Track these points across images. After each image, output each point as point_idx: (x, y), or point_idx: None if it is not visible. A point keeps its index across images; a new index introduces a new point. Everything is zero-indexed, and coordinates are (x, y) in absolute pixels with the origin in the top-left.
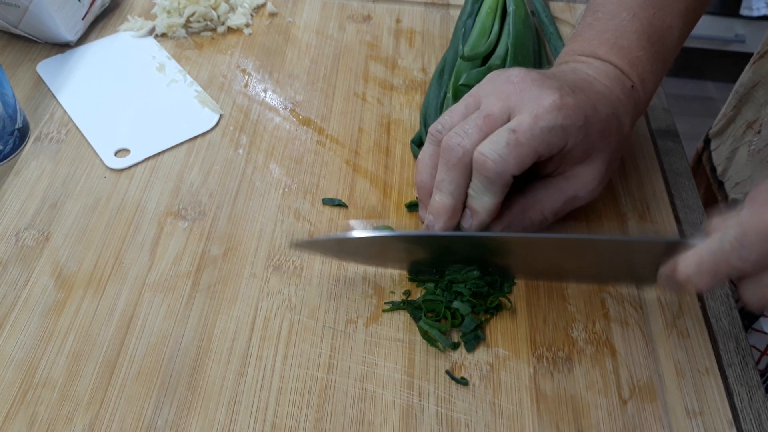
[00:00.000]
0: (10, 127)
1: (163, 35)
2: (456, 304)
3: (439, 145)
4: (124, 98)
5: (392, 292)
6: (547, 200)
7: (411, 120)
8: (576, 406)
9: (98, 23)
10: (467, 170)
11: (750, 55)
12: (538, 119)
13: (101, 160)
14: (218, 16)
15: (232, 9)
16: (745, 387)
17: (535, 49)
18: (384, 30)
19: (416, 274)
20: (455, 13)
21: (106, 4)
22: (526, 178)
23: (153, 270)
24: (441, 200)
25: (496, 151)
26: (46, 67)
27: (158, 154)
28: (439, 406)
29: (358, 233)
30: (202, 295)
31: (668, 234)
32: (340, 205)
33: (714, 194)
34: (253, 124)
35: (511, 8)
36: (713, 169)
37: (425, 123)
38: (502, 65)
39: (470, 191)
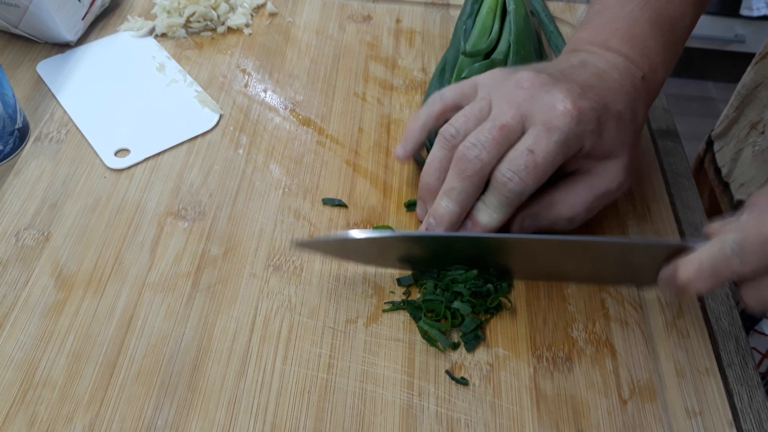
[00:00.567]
0: (10, 127)
1: (163, 35)
2: (456, 304)
3: (452, 150)
4: (124, 98)
5: (392, 292)
6: (578, 198)
7: None
8: (576, 406)
9: (98, 23)
10: (481, 183)
11: (750, 55)
12: (552, 132)
13: (101, 160)
14: (218, 16)
15: (232, 9)
16: (745, 387)
17: (536, 47)
18: (384, 30)
19: (418, 274)
20: (455, 13)
21: (106, 4)
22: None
23: (153, 270)
24: (447, 207)
25: (516, 173)
26: (46, 67)
27: (158, 154)
28: (439, 406)
29: (358, 233)
30: (202, 295)
31: (668, 236)
32: (340, 205)
33: (717, 198)
34: (253, 124)
35: (511, 7)
36: (717, 171)
37: None
38: (504, 61)
39: (481, 204)
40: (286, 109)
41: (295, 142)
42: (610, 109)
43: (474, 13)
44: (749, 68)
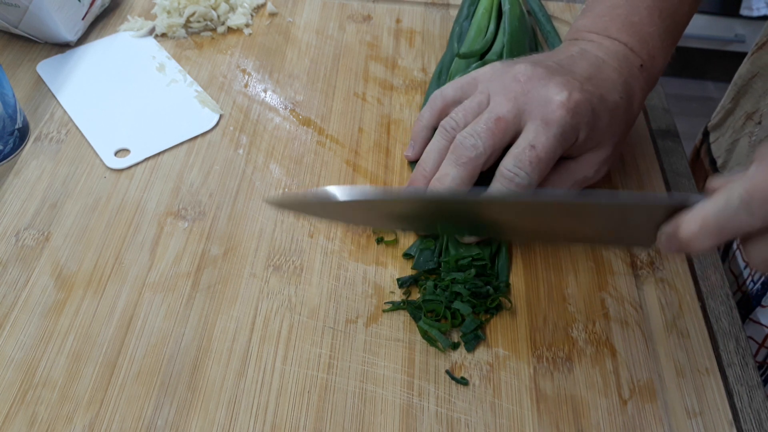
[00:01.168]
0: (10, 127)
1: (163, 35)
2: (456, 304)
3: (450, 140)
4: (124, 98)
5: (392, 292)
6: (558, 182)
7: (411, 120)
8: (576, 406)
9: (98, 23)
10: (474, 172)
11: None
12: (550, 126)
13: (101, 160)
14: (218, 16)
15: (232, 9)
16: (745, 387)
17: (531, 47)
18: (384, 30)
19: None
20: (455, 13)
21: (106, 4)
22: None
23: (153, 270)
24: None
25: (522, 169)
26: (46, 67)
27: (158, 154)
28: (439, 406)
29: (336, 192)
30: (202, 295)
31: (667, 195)
32: None
33: None
34: (253, 124)
35: (506, 8)
36: (713, 162)
37: None
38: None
39: None
40: (286, 109)
41: (295, 142)
42: (607, 100)
43: (470, 15)
44: (745, 59)
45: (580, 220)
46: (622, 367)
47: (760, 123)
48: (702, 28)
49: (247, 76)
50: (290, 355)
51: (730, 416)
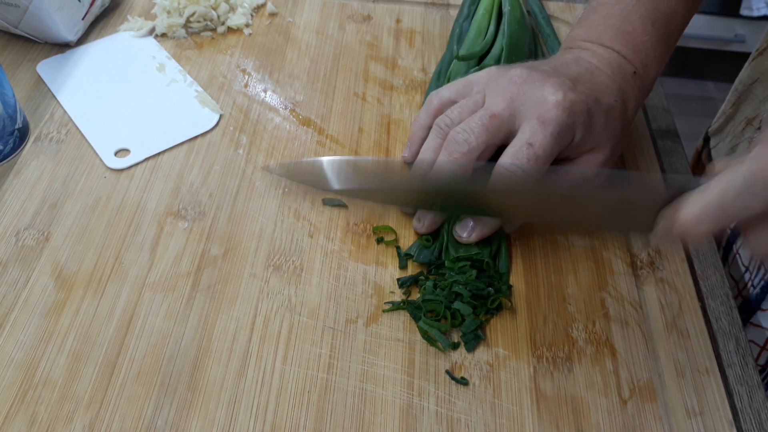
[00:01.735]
0: (10, 127)
1: (163, 35)
2: (457, 304)
3: (445, 138)
4: (124, 98)
5: (392, 292)
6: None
7: (411, 120)
8: (576, 406)
9: (98, 23)
10: (468, 166)
11: (750, 55)
12: (546, 124)
13: (101, 160)
14: (218, 16)
15: (232, 9)
16: (745, 387)
17: (531, 49)
18: (384, 30)
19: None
20: (455, 14)
21: (106, 4)
22: None
23: (153, 270)
24: None
25: (520, 167)
26: (46, 67)
27: (158, 154)
28: (439, 406)
29: (334, 161)
30: (202, 295)
31: (668, 177)
32: (340, 205)
33: None
34: (253, 124)
35: (506, 9)
36: None
37: None
38: (497, 65)
39: None
40: (286, 109)
41: (295, 142)
42: (601, 102)
43: (470, 16)
44: (746, 65)
45: (580, 206)
46: (622, 367)
47: (759, 128)
48: (702, 28)
49: (247, 76)
50: (290, 355)
51: (730, 416)
